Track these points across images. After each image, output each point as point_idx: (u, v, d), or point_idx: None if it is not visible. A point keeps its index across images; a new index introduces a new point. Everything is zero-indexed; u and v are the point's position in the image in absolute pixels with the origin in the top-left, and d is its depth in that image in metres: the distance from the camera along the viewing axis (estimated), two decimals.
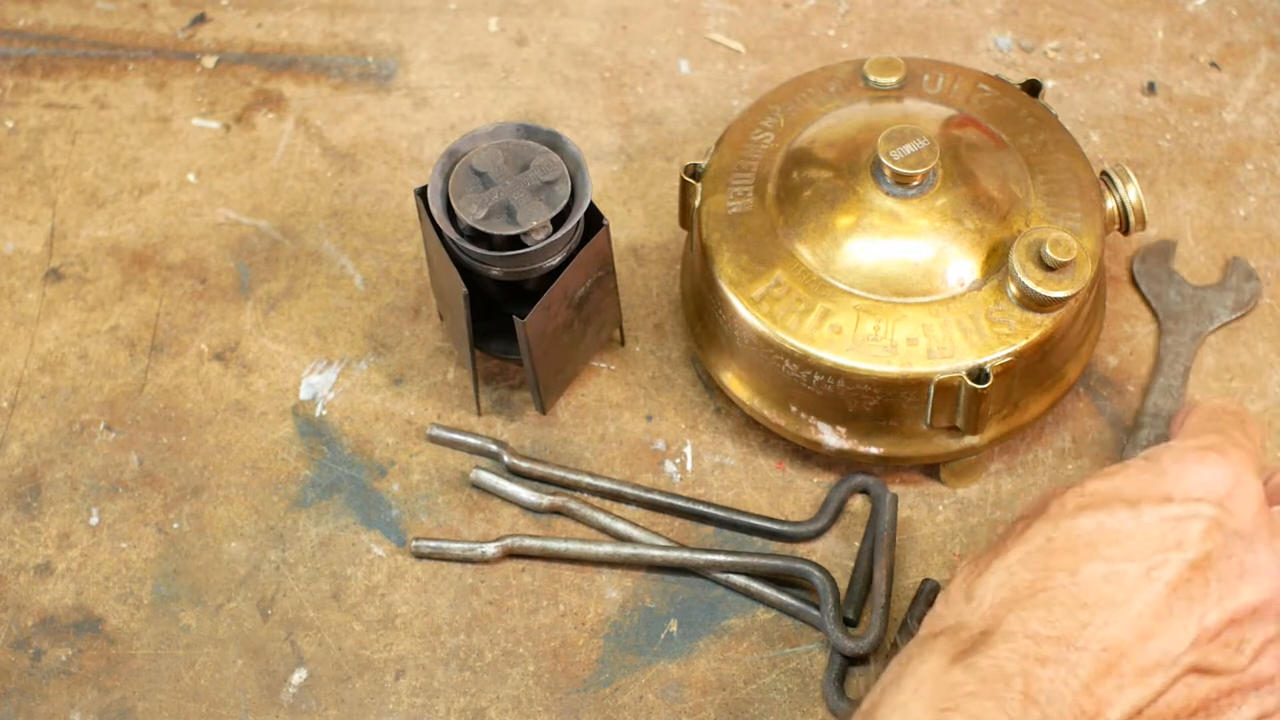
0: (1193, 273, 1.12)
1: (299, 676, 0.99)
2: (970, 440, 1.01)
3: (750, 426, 1.07)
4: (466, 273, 0.99)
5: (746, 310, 0.99)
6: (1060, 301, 0.97)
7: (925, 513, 1.04)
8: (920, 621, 0.98)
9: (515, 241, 0.97)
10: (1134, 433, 1.05)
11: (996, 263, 0.99)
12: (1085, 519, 0.83)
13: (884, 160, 0.98)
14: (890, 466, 1.04)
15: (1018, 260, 0.97)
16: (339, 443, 1.07)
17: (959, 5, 1.26)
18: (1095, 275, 1.00)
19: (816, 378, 0.98)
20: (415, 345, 1.11)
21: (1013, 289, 0.98)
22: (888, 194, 0.99)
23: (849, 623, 0.99)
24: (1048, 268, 0.97)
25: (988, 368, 0.96)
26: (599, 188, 1.16)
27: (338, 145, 1.20)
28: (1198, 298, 1.10)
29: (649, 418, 1.08)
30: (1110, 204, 1.04)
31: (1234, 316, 1.10)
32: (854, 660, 0.98)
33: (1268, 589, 0.83)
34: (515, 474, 1.05)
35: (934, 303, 0.98)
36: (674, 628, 1.00)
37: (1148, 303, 1.11)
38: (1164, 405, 1.06)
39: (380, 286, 1.13)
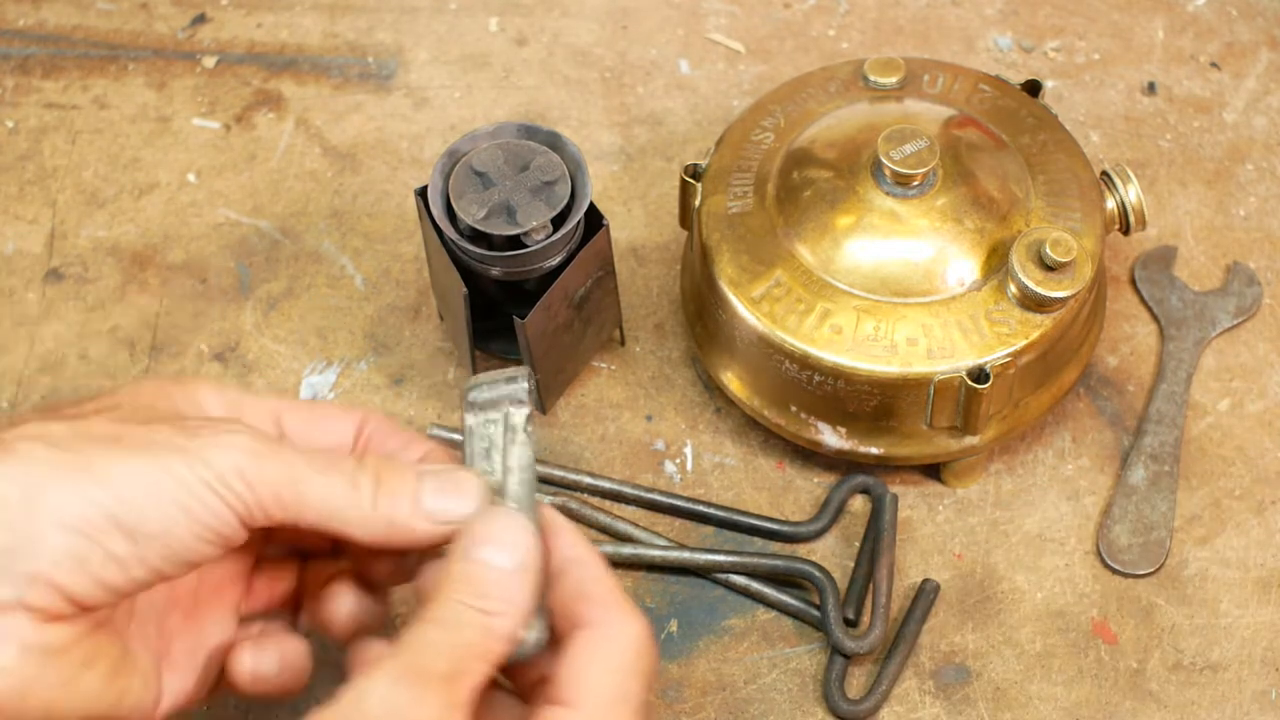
0: (1193, 274, 1.12)
1: None
2: (970, 440, 1.01)
3: (750, 426, 1.07)
4: (466, 273, 0.99)
5: (746, 310, 0.99)
6: (1060, 301, 0.97)
7: (925, 513, 1.04)
8: (920, 622, 0.98)
9: (515, 241, 0.97)
10: (1137, 439, 1.05)
11: (996, 263, 0.99)
12: None
13: (884, 160, 0.98)
14: (890, 466, 1.04)
15: (1018, 260, 0.97)
16: None
17: (959, 5, 1.26)
18: (1095, 275, 1.00)
19: (816, 378, 0.98)
20: (415, 345, 1.11)
21: (1013, 289, 0.97)
22: (888, 194, 0.99)
23: (849, 623, 0.99)
24: (1048, 268, 0.97)
25: (988, 368, 0.96)
26: (599, 188, 1.16)
27: (338, 145, 1.20)
28: (1199, 303, 1.10)
29: (649, 418, 1.08)
30: (1110, 204, 1.04)
31: (1236, 322, 1.10)
32: (854, 660, 0.98)
33: None
34: None
35: (934, 303, 0.98)
36: (674, 628, 1.00)
37: (1150, 309, 1.11)
38: (1167, 411, 1.06)
39: (380, 286, 1.13)
